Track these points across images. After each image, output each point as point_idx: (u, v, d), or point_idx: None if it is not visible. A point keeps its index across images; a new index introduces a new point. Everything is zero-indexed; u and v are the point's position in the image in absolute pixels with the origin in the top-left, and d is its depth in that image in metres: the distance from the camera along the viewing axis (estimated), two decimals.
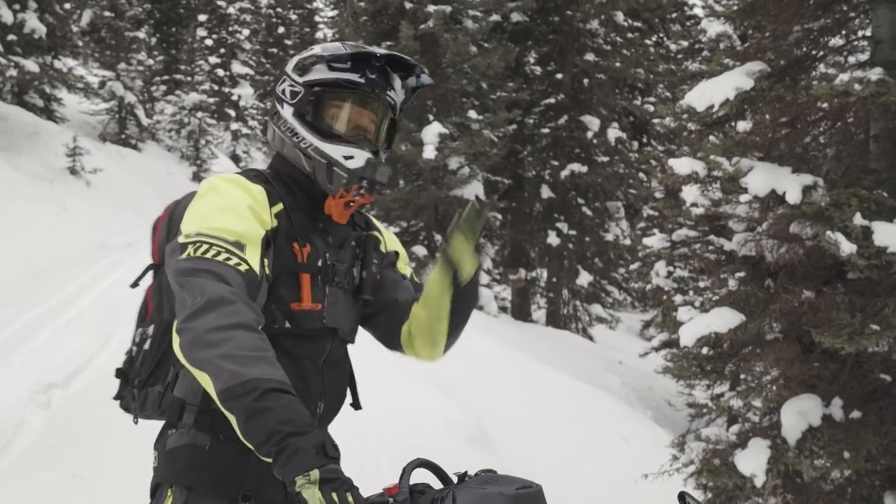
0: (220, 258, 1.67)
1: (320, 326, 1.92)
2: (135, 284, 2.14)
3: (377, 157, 1.96)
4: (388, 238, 2.22)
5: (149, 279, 2.14)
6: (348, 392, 2.12)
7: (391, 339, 2.19)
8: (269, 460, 1.45)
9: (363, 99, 1.96)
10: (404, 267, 2.23)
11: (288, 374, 1.59)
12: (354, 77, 1.92)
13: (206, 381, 1.53)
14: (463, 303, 2.06)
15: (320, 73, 1.95)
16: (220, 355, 1.51)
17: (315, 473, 1.40)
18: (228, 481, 1.80)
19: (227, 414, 1.51)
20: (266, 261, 1.79)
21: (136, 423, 2.12)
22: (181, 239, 1.72)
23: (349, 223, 2.08)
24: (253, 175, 1.94)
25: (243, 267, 1.68)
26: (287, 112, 1.98)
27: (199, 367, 1.54)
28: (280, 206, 1.89)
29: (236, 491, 1.76)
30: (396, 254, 2.21)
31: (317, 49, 1.99)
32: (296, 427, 1.44)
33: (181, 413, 1.87)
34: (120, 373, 2.07)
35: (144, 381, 2.00)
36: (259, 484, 1.73)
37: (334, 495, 1.38)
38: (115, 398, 2.10)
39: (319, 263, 1.93)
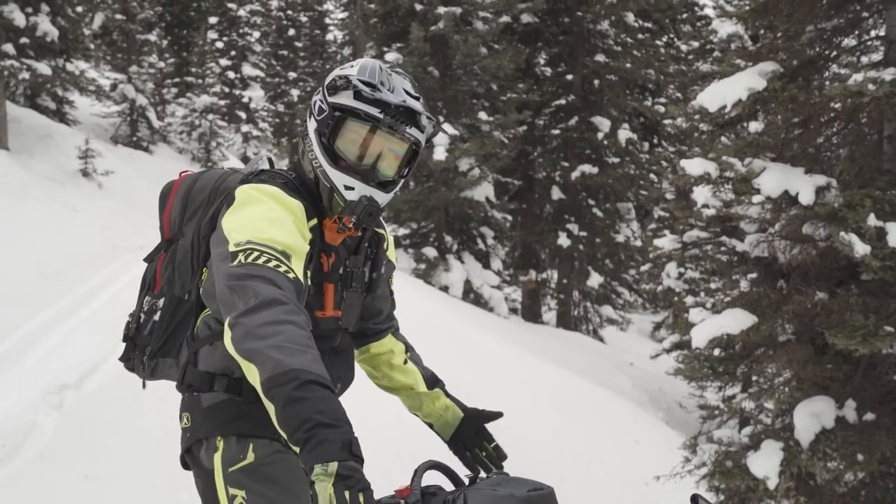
0: (271, 265, 1.73)
1: (335, 327, 2.07)
2: (149, 259, 2.22)
3: (383, 188, 1.99)
4: (391, 242, 2.29)
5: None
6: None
7: (357, 342, 2.31)
8: (297, 449, 1.47)
9: (380, 132, 1.96)
10: (393, 282, 2.33)
11: None
12: (375, 112, 1.93)
13: (252, 373, 1.58)
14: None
15: (345, 98, 1.97)
16: (269, 346, 1.56)
17: (333, 466, 1.40)
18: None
19: (267, 404, 1.54)
20: (308, 272, 1.89)
21: (143, 387, 2.25)
22: (231, 248, 1.77)
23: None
24: (283, 183, 1.97)
25: (291, 275, 1.75)
26: (311, 126, 2.02)
27: (248, 358, 1.58)
28: (315, 221, 1.98)
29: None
30: (394, 267, 2.30)
31: (354, 69, 2.00)
32: (328, 419, 1.47)
33: (212, 383, 1.97)
34: (126, 337, 2.19)
35: (156, 352, 2.11)
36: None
37: (347, 494, 1.38)
38: (121, 360, 2.22)
39: (341, 271, 2.06)
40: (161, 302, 2.12)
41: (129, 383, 6.00)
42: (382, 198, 1.99)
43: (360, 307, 2.16)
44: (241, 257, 1.74)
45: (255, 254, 1.74)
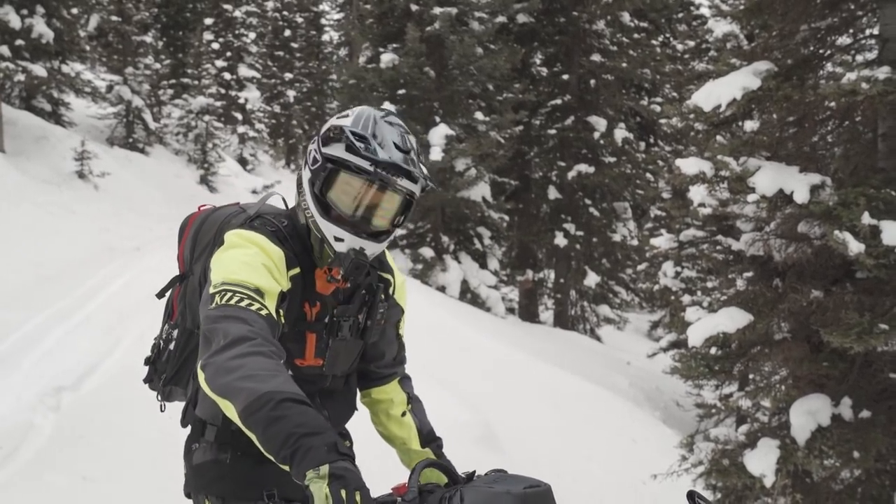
0: (244, 304, 1.79)
1: (319, 374, 2.10)
2: (160, 294, 2.32)
3: (376, 238, 1.99)
4: (399, 285, 2.27)
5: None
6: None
7: (360, 384, 2.32)
8: (287, 468, 1.49)
9: (371, 185, 1.96)
10: (402, 326, 2.32)
11: None
12: (365, 165, 1.93)
13: (228, 408, 1.62)
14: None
15: (337, 150, 1.96)
16: (239, 377, 1.61)
17: (325, 468, 1.42)
18: (251, 486, 1.97)
19: (248, 433, 1.58)
20: (281, 311, 1.91)
21: (162, 410, 2.34)
22: (211, 290, 1.83)
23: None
24: (272, 231, 1.99)
25: (264, 311, 1.80)
26: (305, 176, 2.03)
27: (222, 394, 1.63)
28: (297, 270, 2.00)
29: (259, 493, 1.89)
30: (402, 311, 2.30)
31: (348, 120, 2.00)
32: (310, 429, 1.50)
33: (203, 430, 2.07)
34: (148, 360, 2.32)
35: (170, 379, 2.25)
36: (279, 483, 1.81)
37: (343, 493, 1.39)
38: (145, 381, 2.34)
39: (326, 320, 2.06)
40: (175, 332, 2.23)
41: (126, 385, 6.01)
42: (374, 248, 1.99)
43: (355, 353, 2.16)
44: (217, 299, 1.80)
45: (229, 294, 1.79)
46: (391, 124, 1.99)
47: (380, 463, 2.57)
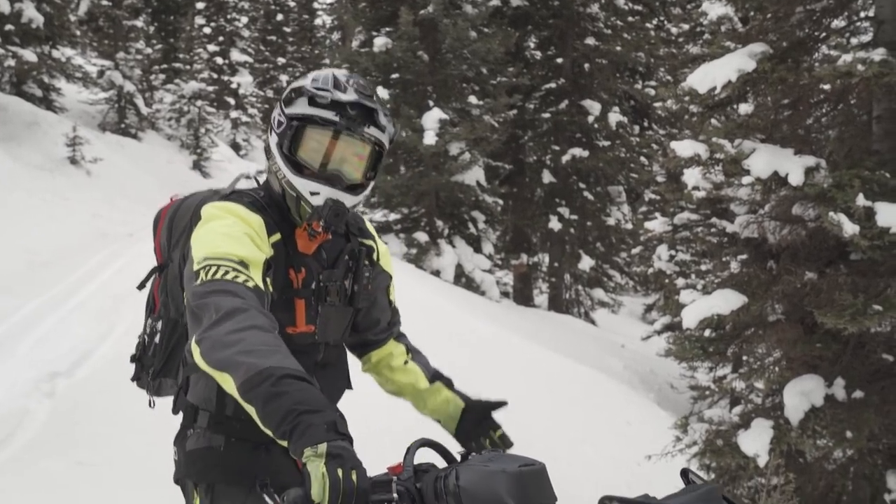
0: (229, 277, 1.77)
1: (312, 342, 2.07)
2: (141, 286, 2.29)
3: (352, 192, 1.99)
4: (383, 251, 2.28)
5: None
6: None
7: (357, 352, 2.33)
8: (285, 443, 1.48)
9: (339, 136, 1.96)
10: (393, 292, 2.32)
11: None
12: (330, 115, 1.94)
13: (227, 382, 1.61)
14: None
15: (301, 107, 1.97)
16: (238, 352, 1.60)
17: (323, 447, 1.41)
18: (243, 474, 1.94)
19: (246, 407, 1.57)
20: (268, 280, 1.89)
21: (151, 406, 2.30)
22: (194, 266, 1.81)
23: (344, 233, 2.16)
24: (249, 202, 1.99)
25: (251, 283, 1.79)
26: (272, 141, 2.02)
27: (220, 368, 1.62)
28: (277, 237, 1.99)
29: (252, 481, 1.84)
30: (390, 277, 2.30)
31: (307, 80, 2.01)
32: (310, 406, 1.49)
33: (195, 416, 2.04)
34: (134, 358, 2.28)
35: (158, 372, 2.21)
36: (273, 471, 1.78)
37: (339, 471, 1.38)
38: (132, 380, 2.30)
39: (313, 286, 2.04)
40: (160, 324, 2.20)
41: (120, 370, 6.00)
42: (350, 200, 1.99)
43: (346, 321, 2.16)
44: (202, 275, 1.78)
45: (213, 268, 1.78)
46: (351, 77, 2.01)
47: (375, 444, 2.56)
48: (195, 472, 2.02)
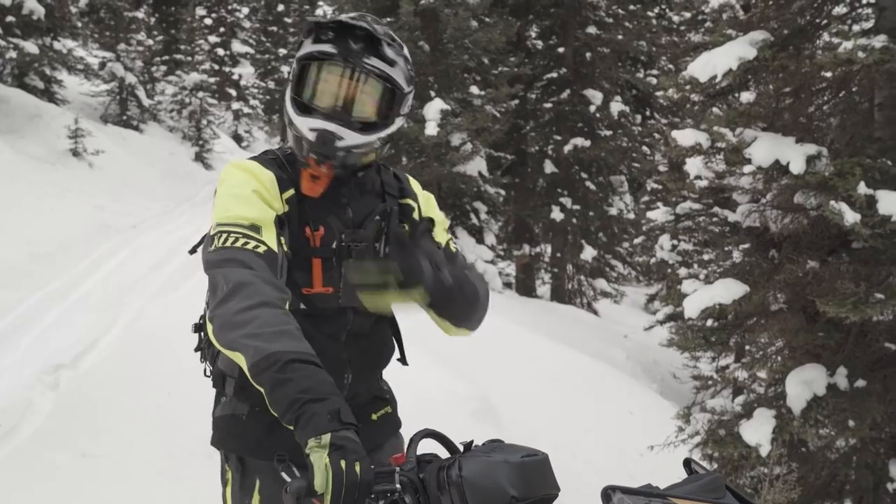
0: (240, 244, 1.75)
1: (336, 306, 1.95)
2: (193, 251, 2.14)
3: (365, 131, 1.90)
4: (425, 203, 2.16)
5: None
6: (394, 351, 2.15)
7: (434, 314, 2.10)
8: (292, 428, 1.49)
9: (339, 69, 1.89)
10: (441, 234, 2.12)
11: None
12: (328, 48, 1.88)
13: (240, 361, 1.61)
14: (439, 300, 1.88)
15: (306, 47, 1.92)
16: (246, 334, 1.59)
17: (326, 437, 1.41)
18: (262, 448, 1.90)
19: (259, 388, 1.57)
20: (283, 239, 1.85)
21: (206, 375, 2.14)
22: (211, 231, 1.81)
23: (380, 192, 2.06)
24: (268, 159, 1.95)
25: (262, 248, 1.76)
26: (287, 90, 1.98)
27: (232, 349, 1.62)
28: (291, 192, 1.91)
29: (271, 454, 1.76)
30: (432, 220, 2.11)
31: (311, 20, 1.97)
32: (315, 394, 1.48)
33: (223, 384, 2.01)
34: (197, 327, 2.17)
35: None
36: (290, 449, 1.73)
37: (342, 463, 1.38)
38: (196, 350, 2.19)
39: (334, 245, 1.94)
40: None
41: (124, 362, 6.03)
42: (355, 138, 1.90)
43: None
44: (216, 241, 1.77)
45: (225, 235, 1.76)
46: (361, 14, 1.94)
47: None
48: (218, 440, 2.02)
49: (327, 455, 1.39)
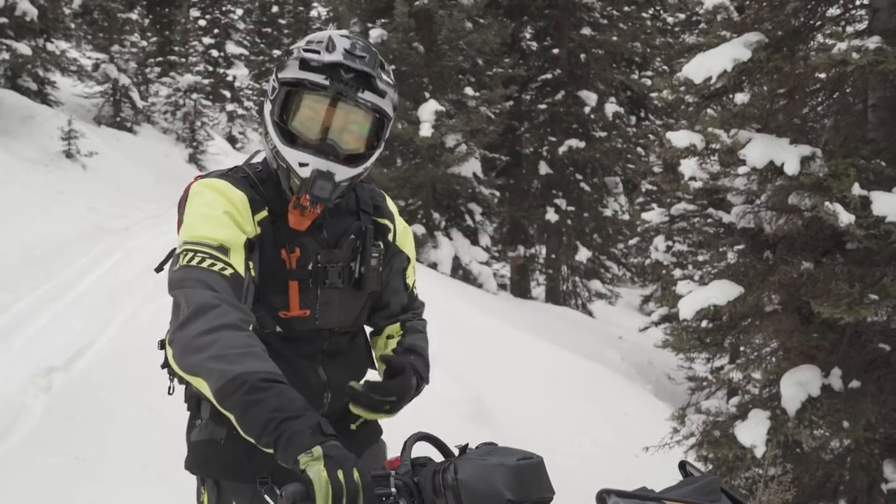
0: (206, 264, 1.69)
1: (313, 328, 1.93)
2: (159, 269, 2.14)
3: (351, 164, 1.87)
4: (401, 231, 2.14)
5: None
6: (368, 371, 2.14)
7: (370, 335, 2.21)
8: (271, 451, 1.45)
9: (330, 101, 1.83)
10: (411, 275, 2.17)
11: (286, 375, 1.60)
12: (320, 79, 1.81)
13: (202, 386, 1.55)
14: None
15: (292, 70, 1.85)
16: (209, 357, 1.53)
17: (318, 450, 1.38)
18: (244, 470, 1.86)
19: (226, 414, 1.53)
20: (251, 263, 1.79)
21: (170, 393, 2.11)
22: (177, 249, 1.76)
23: (354, 210, 2.03)
24: (238, 178, 1.90)
25: (228, 271, 1.71)
26: (266, 109, 1.91)
27: (193, 373, 1.56)
28: (263, 214, 1.86)
29: (253, 477, 1.78)
30: (408, 259, 2.16)
31: (301, 42, 1.89)
32: (290, 412, 1.44)
33: (198, 407, 1.97)
34: (162, 343, 2.11)
35: None
36: (273, 470, 1.71)
37: (340, 474, 1.35)
38: (162, 367, 2.11)
39: (310, 266, 1.90)
40: None
41: (116, 365, 6.00)
42: (345, 172, 1.86)
43: (356, 307, 2.02)
44: (181, 259, 1.72)
45: (191, 254, 1.71)
46: (351, 37, 1.87)
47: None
48: (197, 465, 1.97)
49: (324, 467, 1.35)
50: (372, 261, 1.98)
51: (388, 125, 1.94)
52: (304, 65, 1.83)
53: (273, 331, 1.89)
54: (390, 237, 2.09)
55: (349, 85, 1.82)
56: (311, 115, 1.85)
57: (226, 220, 1.78)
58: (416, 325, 2.17)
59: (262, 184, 1.91)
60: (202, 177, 1.95)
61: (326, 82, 1.81)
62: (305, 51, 1.84)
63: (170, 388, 2.10)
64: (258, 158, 2.03)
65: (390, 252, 2.09)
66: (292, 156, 1.84)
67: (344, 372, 2.01)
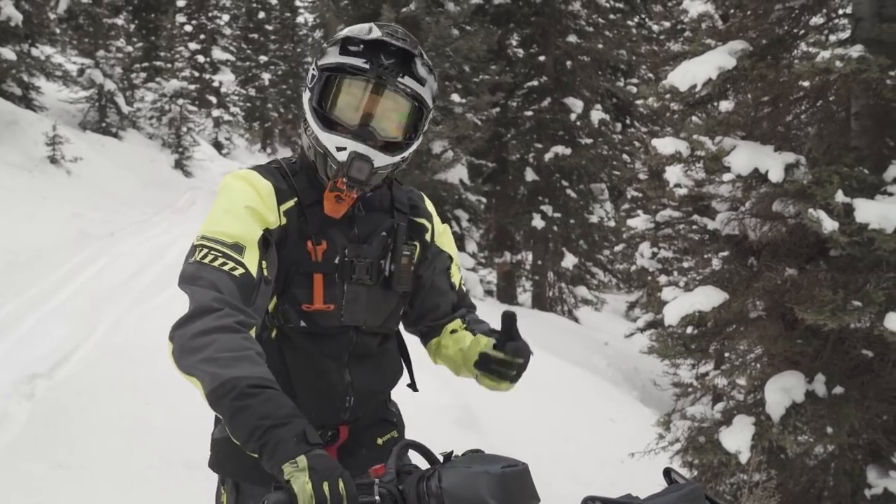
0: (217, 263, 1.69)
1: (338, 325, 1.90)
2: None
3: (389, 151, 1.86)
4: (440, 231, 2.12)
5: None
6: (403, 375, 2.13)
7: (423, 341, 2.19)
8: (257, 457, 1.44)
9: (370, 85, 1.83)
10: (456, 274, 2.15)
11: (307, 373, 1.64)
12: (360, 62, 1.81)
13: (197, 387, 1.54)
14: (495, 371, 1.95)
15: (332, 56, 1.84)
16: (202, 359, 1.52)
17: (302, 460, 1.36)
18: (258, 472, 1.78)
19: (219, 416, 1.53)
20: (265, 263, 1.77)
21: None
22: (195, 241, 1.75)
23: (388, 208, 2.01)
24: (271, 168, 1.90)
25: (238, 271, 1.69)
26: (305, 97, 1.91)
27: (189, 373, 1.55)
28: (290, 204, 1.85)
29: (266, 482, 1.76)
30: (451, 258, 2.13)
31: (344, 30, 1.87)
32: (276, 420, 1.43)
33: None
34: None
35: None
36: None
37: (325, 487, 1.33)
38: None
39: (337, 260, 1.88)
40: None
41: (100, 372, 5.95)
42: (382, 159, 1.84)
43: (387, 306, 1.98)
44: (195, 254, 1.72)
45: (204, 251, 1.71)
46: (389, 25, 1.87)
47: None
48: (216, 463, 1.96)
49: (308, 479, 1.34)
50: (403, 259, 1.95)
51: (426, 116, 1.93)
52: (345, 50, 1.83)
53: (297, 325, 1.87)
54: (428, 237, 2.07)
55: (389, 69, 1.82)
56: (350, 101, 1.84)
57: (245, 214, 1.77)
58: (476, 317, 2.15)
59: (293, 175, 1.90)
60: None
61: (367, 66, 1.81)
62: (348, 38, 1.83)
63: None
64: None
65: (431, 252, 2.07)
66: (330, 141, 1.83)
67: (372, 377, 1.98)
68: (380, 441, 2.04)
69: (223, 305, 1.62)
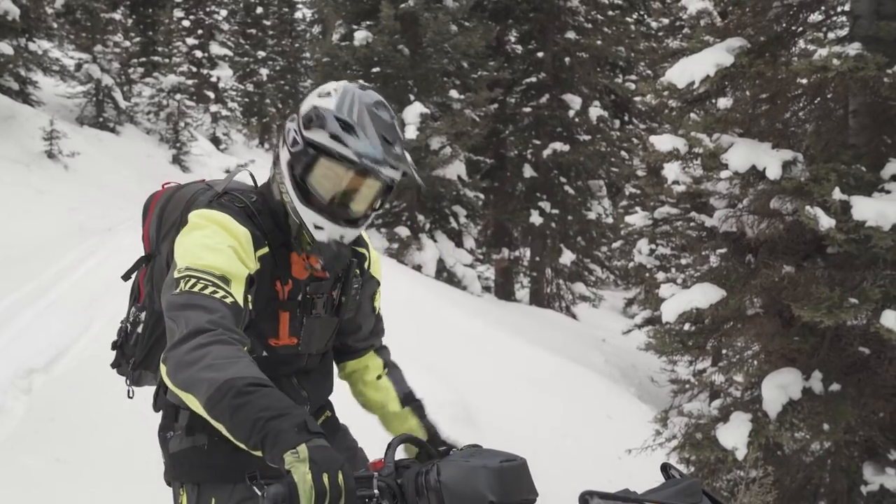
0: (208, 291, 1.72)
1: (296, 353, 2.04)
2: (126, 276, 2.23)
3: (354, 224, 1.95)
4: (374, 259, 2.25)
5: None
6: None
7: (336, 358, 2.30)
8: (260, 453, 1.46)
9: (353, 174, 1.89)
10: (378, 298, 2.29)
11: None
12: (350, 155, 1.85)
13: (193, 403, 1.57)
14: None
15: (320, 136, 1.88)
16: (199, 369, 1.56)
17: (303, 449, 1.38)
18: (231, 469, 1.88)
19: (217, 425, 1.54)
20: (249, 297, 1.83)
21: (130, 396, 2.27)
22: (175, 274, 1.76)
23: None
24: (239, 209, 1.92)
25: (229, 299, 1.73)
26: (283, 157, 1.95)
27: (184, 388, 1.58)
28: (265, 250, 1.93)
29: (241, 475, 1.78)
30: (378, 284, 2.27)
31: (332, 101, 1.90)
32: (276, 411, 1.46)
33: (176, 416, 2.00)
34: (115, 345, 2.23)
35: (139, 363, 2.17)
36: (262, 464, 1.71)
37: (325, 479, 1.35)
38: (112, 366, 2.26)
39: (300, 297, 2.01)
40: (143, 315, 2.14)
41: (97, 366, 5.93)
42: (351, 234, 1.96)
43: (331, 331, 2.13)
44: (181, 285, 1.73)
45: (193, 280, 1.73)
46: (377, 110, 1.91)
47: (357, 440, 2.55)
48: (182, 474, 1.99)
49: (308, 469, 1.36)
50: (353, 291, 2.11)
51: (394, 190, 2.01)
52: (335, 138, 1.86)
53: (259, 355, 1.95)
54: (366, 265, 2.20)
55: (376, 165, 1.88)
56: (331, 179, 1.90)
57: (230, 253, 1.81)
58: (394, 362, 2.33)
59: (259, 215, 1.95)
60: (193, 201, 2.01)
61: (357, 160, 1.85)
62: (339, 121, 1.86)
63: (128, 392, 2.24)
64: (241, 177, 2.10)
65: (365, 278, 2.19)
66: (308, 216, 1.91)
67: (321, 387, 2.18)
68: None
69: (217, 326, 1.65)
